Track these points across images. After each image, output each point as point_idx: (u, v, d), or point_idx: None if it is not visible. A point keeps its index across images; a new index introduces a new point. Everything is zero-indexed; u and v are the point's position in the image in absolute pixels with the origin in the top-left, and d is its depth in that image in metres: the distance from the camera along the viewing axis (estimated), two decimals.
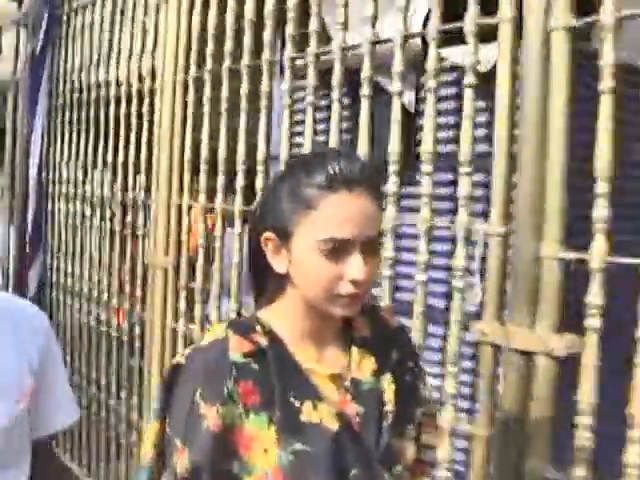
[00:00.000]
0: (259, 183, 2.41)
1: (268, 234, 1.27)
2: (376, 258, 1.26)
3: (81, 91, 3.76)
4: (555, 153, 1.61)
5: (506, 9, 1.69)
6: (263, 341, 1.29)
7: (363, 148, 2.05)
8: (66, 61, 3.90)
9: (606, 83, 1.53)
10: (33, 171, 3.94)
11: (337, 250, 1.20)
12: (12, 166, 4.26)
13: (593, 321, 1.55)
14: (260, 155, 2.42)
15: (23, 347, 1.43)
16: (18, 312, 1.48)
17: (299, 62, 2.34)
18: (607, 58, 1.53)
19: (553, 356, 1.61)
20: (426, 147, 1.88)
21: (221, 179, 2.59)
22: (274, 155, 2.43)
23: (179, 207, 2.89)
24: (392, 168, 1.94)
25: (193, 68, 2.83)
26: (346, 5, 2.13)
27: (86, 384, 3.63)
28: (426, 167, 1.87)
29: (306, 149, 2.25)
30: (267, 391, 1.28)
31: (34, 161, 3.94)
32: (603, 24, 1.53)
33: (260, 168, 2.41)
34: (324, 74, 2.26)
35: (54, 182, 3.96)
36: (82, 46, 3.75)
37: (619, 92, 1.54)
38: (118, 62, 3.44)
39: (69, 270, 3.81)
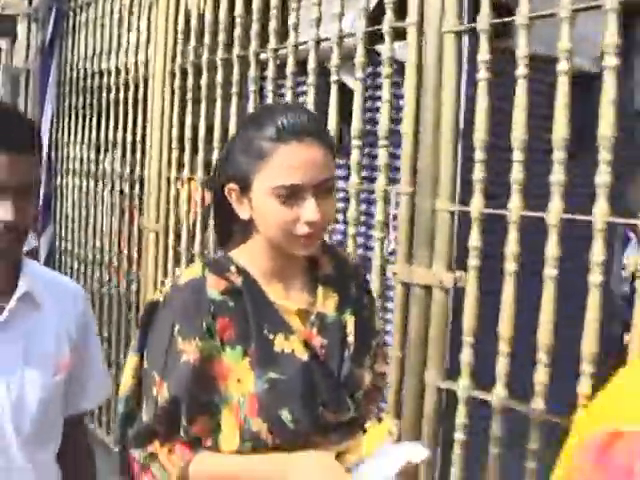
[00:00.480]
0: None
1: (230, 185, 1.35)
2: (329, 200, 1.33)
3: (85, 79, 4.19)
4: (447, 130, 2.04)
5: (412, 15, 2.11)
6: (238, 280, 1.37)
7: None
8: (72, 52, 4.33)
9: (521, 71, 1.88)
10: (43, 150, 4.38)
11: (291, 195, 1.28)
12: None
13: (474, 261, 1.98)
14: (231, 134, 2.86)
15: (64, 318, 1.45)
16: (62, 285, 1.53)
17: (263, 56, 2.76)
18: (521, 51, 1.88)
19: (445, 288, 2.05)
20: (355, 125, 2.31)
21: (200, 155, 3.03)
22: None
23: (168, 179, 3.33)
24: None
25: (178, 60, 3.26)
26: (298, 9, 2.55)
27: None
28: (356, 142, 2.31)
29: None
30: (242, 326, 1.35)
31: (44, 141, 4.38)
32: (518, 24, 1.88)
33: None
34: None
35: (62, 160, 4.41)
36: (86, 38, 4.18)
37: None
38: (118, 53, 3.86)
39: (76, 238, 4.27)
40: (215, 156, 2.94)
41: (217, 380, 1.33)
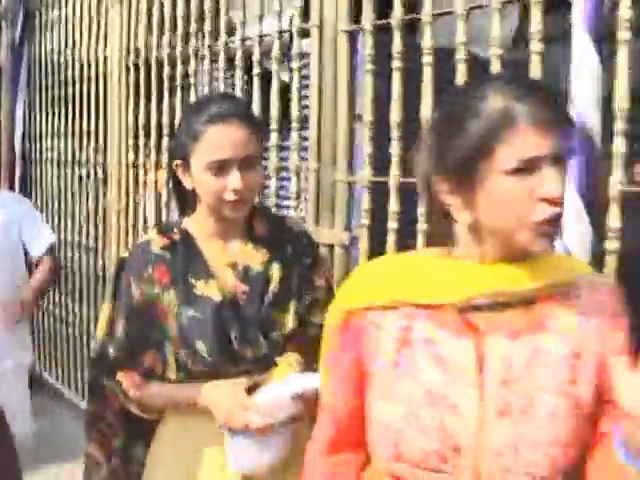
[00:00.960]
0: None
1: (177, 162, 1.63)
2: (253, 172, 1.57)
3: (53, 74, 4.54)
4: (342, 113, 2.43)
5: (315, 18, 2.49)
6: (177, 237, 1.68)
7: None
8: (41, 48, 4.68)
9: (427, 60, 2.16)
10: (18, 140, 4.75)
11: (220, 168, 1.53)
12: None
13: (364, 221, 2.36)
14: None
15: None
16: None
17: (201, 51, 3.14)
18: (426, 43, 2.17)
19: (344, 246, 2.44)
20: (273, 112, 2.69)
21: (152, 141, 3.42)
22: None
23: (126, 164, 3.70)
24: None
25: (132, 56, 3.62)
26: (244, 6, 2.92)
27: (73, 317, 4.42)
28: (274, 125, 2.69)
29: None
30: (174, 273, 1.64)
31: (18, 132, 4.75)
32: (424, 21, 2.17)
33: None
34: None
35: (36, 149, 4.77)
36: (52, 36, 4.53)
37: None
38: (80, 50, 4.21)
39: (50, 220, 4.63)
40: (165, 142, 3.33)
41: (159, 319, 1.62)
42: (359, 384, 1.20)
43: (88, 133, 4.12)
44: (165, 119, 3.34)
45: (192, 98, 3.16)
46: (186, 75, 3.23)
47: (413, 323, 1.14)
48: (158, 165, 3.44)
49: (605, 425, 1.10)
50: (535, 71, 1.89)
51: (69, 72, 4.34)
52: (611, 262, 1.79)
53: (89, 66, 4.11)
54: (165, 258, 1.65)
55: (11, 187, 4.76)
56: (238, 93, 2.88)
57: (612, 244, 1.80)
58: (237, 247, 1.69)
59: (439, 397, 1.10)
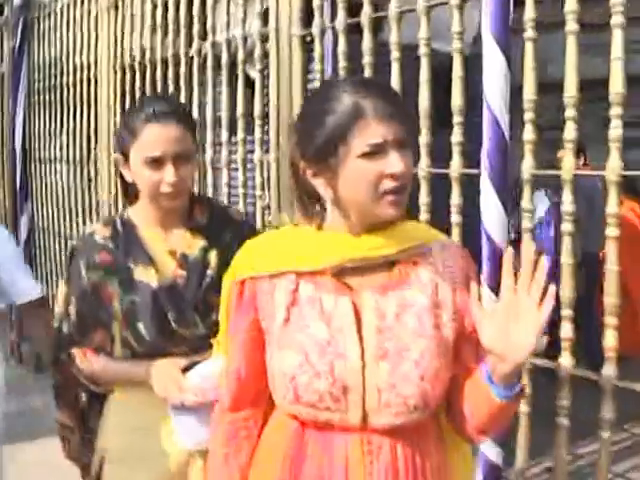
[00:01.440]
0: None
1: (116, 155, 1.75)
2: (187, 166, 1.69)
3: (50, 78, 4.82)
4: (296, 109, 2.67)
5: (272, 22, 2.74)
6: (119, 226, 1.78)
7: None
8: (39, 55, 4.96)
9: (394, 55, 2.35)
10: (18, 140, 5.04)
11: (156, 163, 1.65)
12: (1, 137, 5.37)
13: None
14: None
15: None
16: None
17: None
18: (393, 39, 2.36)
19: None
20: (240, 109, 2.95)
21: None
22: None
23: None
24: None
25: (119, 60, 3.89)
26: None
27: None
28: (241, 120, 2.95)
29: None
30: (116, 261, 1.75)
31: (18, 133, 5.03)
32: (390, 18, 2.35)
33: None
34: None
35: (35, 149, 5.05)
36: (49, 43, 4.80)
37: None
38: (74, 55, 4.48)
39: (50, 215, 4.92)
40: None
41: (105, 303, 1.74)
42: (258, 344, 1.38)
43: (81, 133, 4.38)
44: None
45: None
46: (165, 77, 3.50)
47: (298, 286, 1.33)
48: None
49: (471, 362, 1.33)
50: (529, 57, 2.02)
51: (64, 77, 4.61)
52: (526, 239, 2.02)
53: (82, 70, 4.37)
54: (107, 247, 1.76)
55: (13, 185, 5.04)
56: (209, 93, 3.14)
57: (526, 223, 2.04)
58: (177, 235, 1.78)
59: (327, 346, 1.28)
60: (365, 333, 1.29)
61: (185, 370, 1.69)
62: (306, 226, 1.37)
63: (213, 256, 1.76)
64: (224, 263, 1.66)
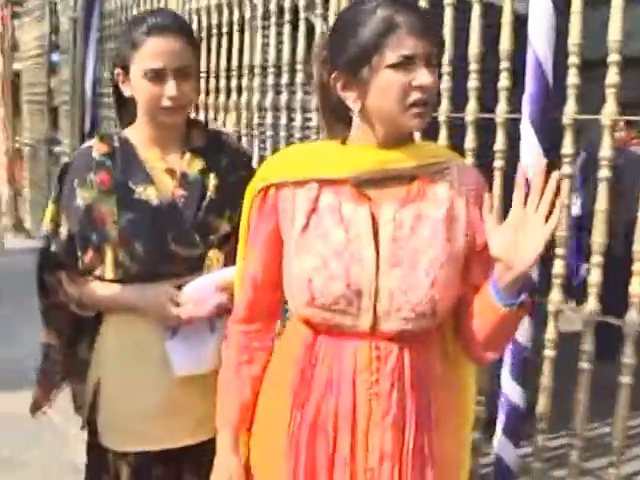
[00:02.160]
0: None
1: (117, 70, 1.76)
2: (188, 81, 1.70)
3: (121, 25, 5.03)
4: None
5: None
6: (117, 144, 1.78)
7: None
8: (109, 3, 5.18)
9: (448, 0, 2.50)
10: (88, 86, 5.30)
11: (156, 77, 1.67)
12: (73, 82, 5.65)
13: None
14: None
15: None
16: None
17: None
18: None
19: None
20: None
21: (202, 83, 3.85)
22: None
23: None
24: None
25: (187, 6, 4.06)
26: None
27: None
28: (300, 65, 3.07)
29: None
30: (114, 179, 1.74)
31: (89, 79, 5.29)
32: None
33: None
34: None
35: (102, 94, 5.30)
36: None
37: None
38: (145, 3, 4.67)
39: None
40: (211, 85, 3.77)
41: (99, 222, 1.74)
42: (276, 252, 1.48)
43: None
44: (212, 64, 3.77)
45: (236, 45, 3.58)
46: (230, 23, 3.65)
47: (319, 194, 1.43)
48: (207, 106, 3.89)
49: (480, 280, 1.45)
50: (576, 2, 2.05)
51: None
52: (564, 186, 2.10)
53: None
54: (105, 164, 1.75)
55: (82, 130, 5.32)
56: (273, 39, 3.29)
57: (566, 169, 2.12)
58: (175, 155, 1.80)
59: (344, 250, 1.39)
60: (381, 241, 1.40)
61: (180, 288, 1.74)
62: (329, 141, 1.49)
63: (211, 178, 1.79)
64: (221, 186, 1.78)
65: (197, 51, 1.80)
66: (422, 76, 1.33)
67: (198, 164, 1.80)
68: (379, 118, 1.39)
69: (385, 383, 1.41)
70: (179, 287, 1.75)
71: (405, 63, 1.33)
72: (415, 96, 1.34)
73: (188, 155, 1.80)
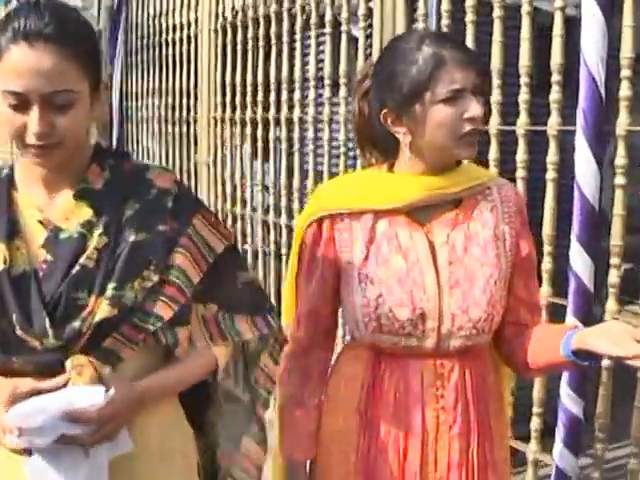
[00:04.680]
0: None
1: None
2: (68, 115, 1.32)
3: (149, 37, 5.33)
4: None
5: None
6: None
7: None
8: (137, 14, 5.47)
9: (497, 13, 2.71)
10: (115, 100, 5.58)
11: (19, 103, 1.29)
12: None
13: None
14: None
15: None
16: None
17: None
18: None
19: None
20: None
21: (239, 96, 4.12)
22: None
23: (215, 119, 4.42)
24: None
25: (221, 20, 4.33)
26: None
27: None
28: (344, 78, 3.32)
29: None
30: None
31: (115, 92, 5.57)
32: None
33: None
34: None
35: (131, 108, 5.58)
36: (148, 2, 5.30)
37: None
38: (174, 13, 4.95)
39: None
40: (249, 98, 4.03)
41: None
42: (336, 282, 1.66)
43: (180, 92, 4.86)
44: (249, 77, 4.03)
45: (274, 57, 3.83)
46: (268, 35, 3.91)
47: (375, 224, 1.61)
48: (244, 120, 4.14)
49: (520, 291, 1.67)
50: (627, 14, 2.27)
51: (163, 35, 5.10)
52: (618, 196, 2.33)
53: (181, 29, 4.84)
54: None
55: (109, 144, 5.59)
56: (313, 52, 3.54)
57: (619, 179, 2.34)
58: (65, 201, 1.44)
59: (405, 277, 1.58)
60: (439, 265, 1.59)
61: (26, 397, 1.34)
62: (375, 169, 1.70)
63: (96, 236, 1.41)
64: (114, 247, 1.40)
65: (93, 67, 1.38)
66: (473, 108, 1.51)
67: (83, 215, 1.42)
68: (431, 149, 1.57)
69: (450, 397, 1.63)
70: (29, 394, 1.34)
71: (455, 97, 1.51)
72: (468, 127, 1.52)
73: (72, 202, 1.43)
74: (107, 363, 1.40)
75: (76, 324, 1.36)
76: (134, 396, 1.40)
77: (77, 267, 1.38)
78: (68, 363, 1.36)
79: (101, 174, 1.46)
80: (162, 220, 1.45)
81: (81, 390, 1.34)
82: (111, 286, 1.38)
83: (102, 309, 1.37)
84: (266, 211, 4.06)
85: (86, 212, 1.42)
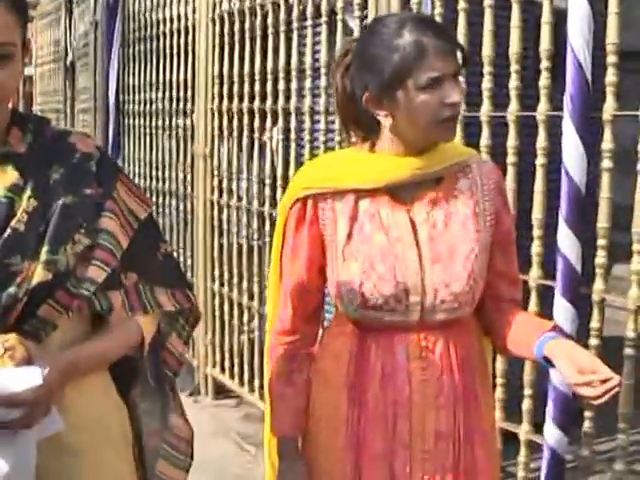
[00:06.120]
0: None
1: None
2: (7, 67, 1.38)
3: (146, 28, 5.48)
4: None
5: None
6: None
7: None
8: (134, 5, 5.63)
9: (487, 2, 2.91)
10: (112, 94, 5.74)
11: None
12: (94, 90, 6.10)
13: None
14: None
15: None
16: None
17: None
18: None
19: None
20: None
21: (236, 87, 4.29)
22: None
23: (212, 110, 4.58)
24: None
25: (218, 10, 4.49)
26: None
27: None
28: None
29: None
30: None
31: (112, 86, 5.73)
32: None
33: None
34: None
35: (128, 102, 5.74)
36: None
37: None
38: (171, 4, 5.10)
39: (142, 172, 5.60)
40: (246, 89, 4.19)
41: None
42: (320, 259, 1.78)
43: (177, 83, 5.02)
44: (247, 68, 4.20)
45: (270, 47, 3.99)
46: (264, 26, 4.07)
47: (358, 203, 1.73)
48: (241, 111, 4.30)
49: (501, 265, 1.81)
50: (612, 2, 2.43)
51: (160, 27, 5.25)
52: (605, 180, 2.50)
53: (179, 19, 4.99)
54: None
55: (105, 139, 5.76)
56: (309, 41, 3.70)
57: (606, 163, 2.50)
58: None
59: (387, 253, 1.70)
60: (420, 241, 1.73)
61: None
62: (357, 148, 1.81)
63: (25, 200, 1.44)
64: (44, 211, 1.44)
65: (24, 24, 1.45)
66: (453, 94, 1.63)
67: (9, 178, 1.45)
68: (411, 133, 1.70)
69: (435, 369, 1.75)
70: None
71: (435, 84, 1.62)
72: (447, 113, 1.64)
73: None
74: (42, 332, 1.43)
75: (12, 290, 1.38)
76: (63, 370, 1.40)
77: (8, 231, 1.40)
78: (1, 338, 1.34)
79: (23, 138, 1.49)
80: (88, 184, 1.49)
81: (15, 372, 1.32)
82: (45, 249, 1.41)
83: (37, 274, 1.40)
84: (262, 203, 4.21)
85: (12, 175, 1.45)
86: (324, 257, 1.79)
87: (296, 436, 1.89)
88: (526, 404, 2.75)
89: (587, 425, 2.58)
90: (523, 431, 2.77)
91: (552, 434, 2.62)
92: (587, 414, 2.57)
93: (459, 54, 1.68)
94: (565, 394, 2.58)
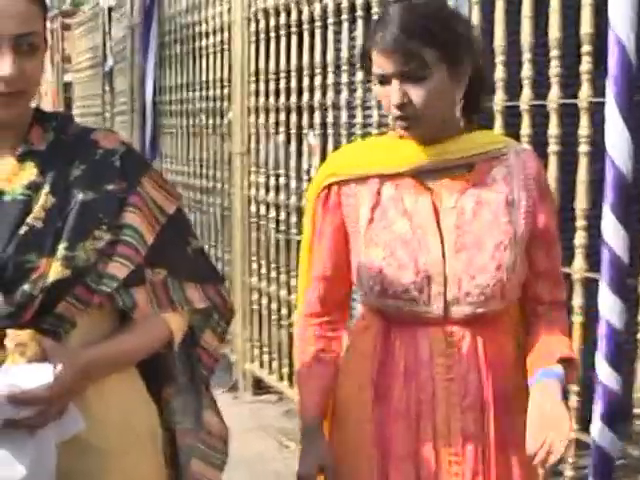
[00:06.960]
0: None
1: None
2: (31, 59, 1.36)
3: (182, 30, 5.47)
4: None
5: None
6: None
7: None
8: (170, 7, 5.62)
9: None
10: (149, 94, 5.74)
11: None
12: (131, 91, 6.11)
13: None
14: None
15: None
16: None
17: None
18: None
19: None
20: None
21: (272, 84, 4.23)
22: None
23: (248, 108, 4.54)
24: None
25: (253, 8, 4.45)
26: None
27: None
28: None
29: None
30: None
31: (149, 86, 5.73)
32: None
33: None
34: None
35: (165, 102, 5.73)
36: None
37: None
38: (207, 6, 5.08)
39: (179, 169, 5.58)
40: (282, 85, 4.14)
41: None
42: (344, 246, 1.73)
43: (214, 83, 4.99)
44: (282, 65, 4.14)
45: (306, 44, 3.94)
46: (299, 22, 4.01)
47: (380, 188, 1.68)
48: (277, 108, 4.25)
49: (541, 263, 1.70)
50: None
51: (196, 28, 5.23)
52: None
53: (214, 20, 4.96)
54: None
55: (142, 139, 5.75)
56: (345, 36, 3.64)
57: None
58: (2, 165, 1.44)
59: (410, 240, 1.63)
60: (444, 229, 1.64)
61: None
62: (388, 135, 1.78)
63: (42, 196, 1.41)
64: (62, 207, 1.41)
65: (43, 12, 1.42)
66: (393, 95, 1.55)
67: (28, 176, 1.43)
68: None
69: (461, 367, 1.65)
70: None
71: (383, 81, 1.57)
72: (395, 113, 1.58)
73: (16, 164, 1.44)
74: (60, 330, 1.39)
75: (26, 287, 1.35)
76: (80, 368, 1.37)
77: (24, 227, 1.37)
78: (8, 342, 1.31)
79: (44, 136, 1.47)
80: (110, 179, 1.45)
81: (26, 369, 1.29)
82: (62, 246, 1.38)
83: (54, 270, 1.36)
84: (300, 198, 4.15)
85: (30, 173, 1.42)
86: (347, 243, 1.74)
87: (321, 415, 1.81)
88: (573, 402, 2.64)
89: (638, 423, 2.47)
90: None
91: (600, 432, 2.51)
92: (637, 411, 2.46)
93: (432, 54, 1.55)
94: (613, 391, 2.48)
